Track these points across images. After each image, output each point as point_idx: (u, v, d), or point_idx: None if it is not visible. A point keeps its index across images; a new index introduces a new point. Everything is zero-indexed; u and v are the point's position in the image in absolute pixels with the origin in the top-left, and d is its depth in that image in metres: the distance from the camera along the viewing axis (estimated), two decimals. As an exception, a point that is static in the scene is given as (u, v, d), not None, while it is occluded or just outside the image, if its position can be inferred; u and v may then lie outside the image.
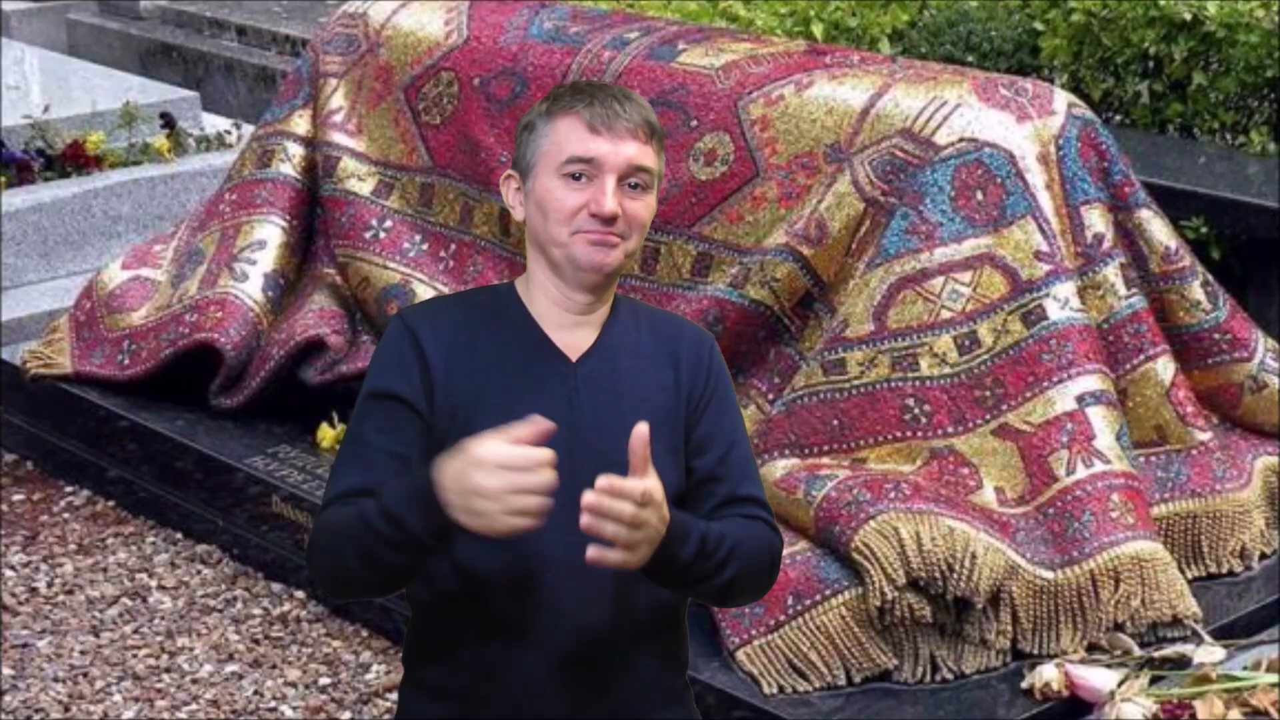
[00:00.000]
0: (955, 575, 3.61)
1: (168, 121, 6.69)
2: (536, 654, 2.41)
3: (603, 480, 2.21)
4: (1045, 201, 4.00)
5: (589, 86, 2.48)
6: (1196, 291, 4.17)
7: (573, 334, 2.47)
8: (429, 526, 2.26)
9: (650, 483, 2.24)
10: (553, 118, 2.44)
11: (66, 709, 4.23)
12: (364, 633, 4.48)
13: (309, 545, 2.44)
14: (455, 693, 2.47)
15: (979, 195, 3.96)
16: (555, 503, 2.32)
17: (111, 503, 5.19)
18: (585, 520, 2.21)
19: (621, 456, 2.33)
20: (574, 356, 2.46)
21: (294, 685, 4.29)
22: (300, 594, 4.65)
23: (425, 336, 2.43)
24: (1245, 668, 3.66)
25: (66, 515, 5.16)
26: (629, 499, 2.21)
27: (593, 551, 2.22)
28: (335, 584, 2.47)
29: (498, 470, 2.18)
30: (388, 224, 4.95)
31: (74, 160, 6.42)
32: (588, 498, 2.20)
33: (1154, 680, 3.61)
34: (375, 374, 2.46)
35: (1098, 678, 3.59)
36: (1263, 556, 4.09)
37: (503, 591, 2.41)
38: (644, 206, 2.44)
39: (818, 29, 6.49)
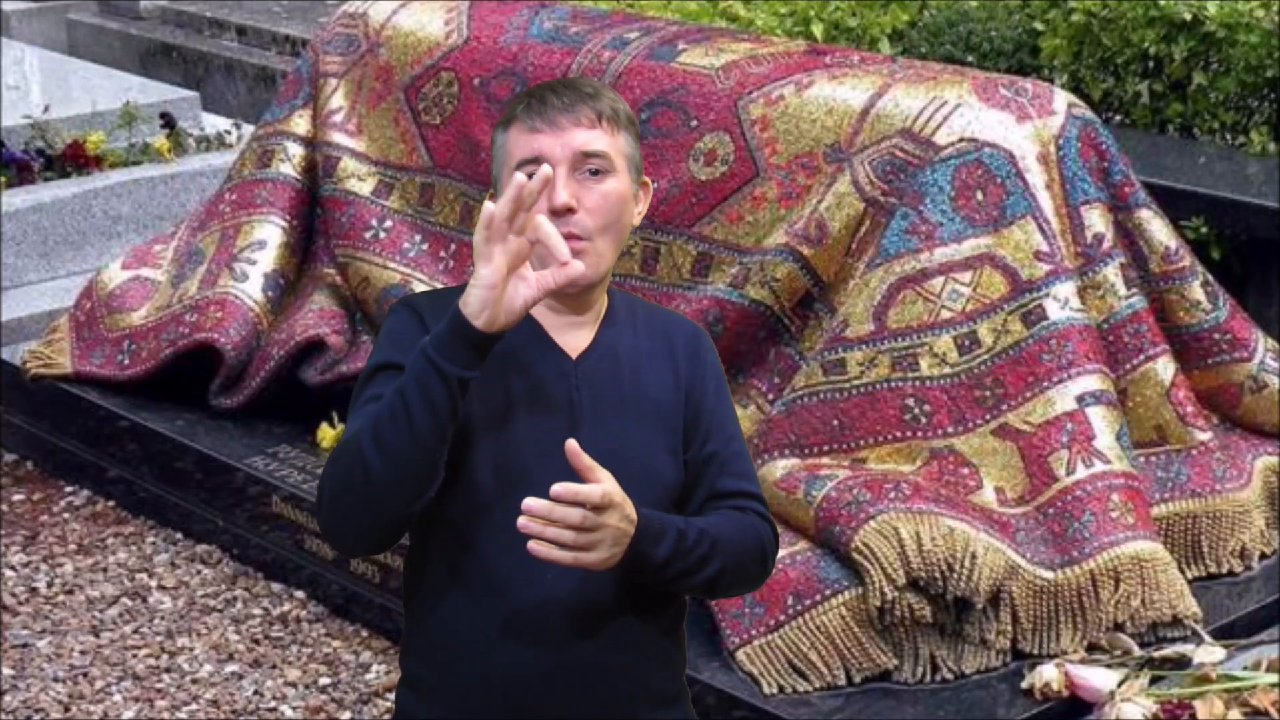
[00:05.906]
0: (955, 575, 3.61)
1: (168, 121, 6.69)
2: (529, 653, 2.41)
3: (557, 487, 2.23)
4: (1045, 201, 4.00)
5: (537, 89, 2.48)
6: (1196, 291, 4.17)
7: (570, 333, 2.47)
8: (462, 354, 2.26)
9: (607, 486, 2.26)
10: (505, 130, 2.46)
11: (66, 709, 4.23)
12: (364, 633, 4.48)
13: (321, 484, 2.37)
14: (448, 692, 2.47)
15: (979, 195, 3.96)
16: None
17: (111, 503, 5.19)
18: (521, 522, 2.24)
19: (624, 453, 2.35)
20: (573, 355, 2.45)
21: (294, 685, 4.29)
22: (300, 594, 4.65)
23: (431, 322, 2.40)
24: (1245, 668, 3.66)
25: (66, 515, 5.16)
26: (584, 503, 2.23)
27: (536, 545, 2.25)
28: (347, 510, 2.35)
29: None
30: (388, 224, 4.95)
31: (74, 160, 6.42)
32: (528, 504, 2.24)
33: (1154, 680, 3.61)
34: (380, 351, 2.43)
35: (1098, 678, 3.59)
36: (1263, 556, 4.09)
37: (496, 589, 2.41)
38: (605, 194, 2.42)
39: (818, 29, 6.48)
